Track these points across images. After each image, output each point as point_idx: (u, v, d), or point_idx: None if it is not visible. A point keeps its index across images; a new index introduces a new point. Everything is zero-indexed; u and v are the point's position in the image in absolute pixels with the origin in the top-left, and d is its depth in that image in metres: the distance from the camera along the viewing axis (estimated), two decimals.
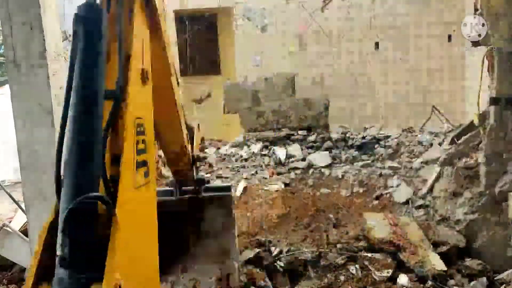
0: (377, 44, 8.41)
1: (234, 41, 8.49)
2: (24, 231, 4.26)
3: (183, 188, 2.74)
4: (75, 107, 1.21)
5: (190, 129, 2.60)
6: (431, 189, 5.08)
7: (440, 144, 6.11)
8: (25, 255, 4.13)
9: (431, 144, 6.27)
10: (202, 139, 2.79)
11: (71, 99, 1.22)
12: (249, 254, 3.98)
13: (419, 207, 4.96)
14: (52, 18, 3.41)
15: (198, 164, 2.66)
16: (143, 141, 1.37)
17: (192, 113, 8.28)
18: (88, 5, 1.32)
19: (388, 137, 6.73)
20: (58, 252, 1.12)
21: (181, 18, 8.23)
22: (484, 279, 3.92)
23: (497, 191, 4.19)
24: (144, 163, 1.35)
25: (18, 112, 3.39)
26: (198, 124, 2.73)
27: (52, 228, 1.20)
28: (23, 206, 3.98)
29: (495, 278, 4.01)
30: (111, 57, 1.36)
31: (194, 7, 8.24)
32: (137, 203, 1.29)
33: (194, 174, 2.66)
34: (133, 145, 1.30)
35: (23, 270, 4.47)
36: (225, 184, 2.79)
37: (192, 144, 2.58)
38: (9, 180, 7.92)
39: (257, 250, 4.02)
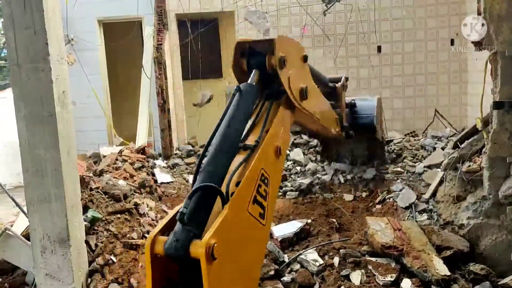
0: (379, 48, 8.40)
1: None
2: (26, 235, 4.25)
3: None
4: (220, 142, 1.72)
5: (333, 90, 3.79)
6: (434, 194, 5.06)
7: (443, 148, 6.09)
8: (27, 259, 4.12)
9: (434, 148, 6.25)
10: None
11: (216, 135, 1.76)
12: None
13: (423, 211, 4.94)
14: (55, 22, 3.42)
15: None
16: (265, 190, 1.76)
17: (195, 116, 8.29)
18: (250, 85, 1.95)
19: (390, 141, 6.71)
20: (180, 210, 1.48)
21: (183, 21, 8.25)
22: (488, 283, 3.90)
23: (500, 195, 4.17)
24: (262, 205, 1.74)
25: (20, 116, 3.39)
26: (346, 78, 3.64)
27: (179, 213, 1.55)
28: (25, 209, 3.98)
29: (499, 283, 3.98)
30: (256, 122, 1.90)
31: (196, 11, 8.26)
32: (244, 224, 1.64)
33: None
34: (255, 183, 1.70)
35: (24, 274, 4.45)
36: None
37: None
38: (11, 183, 7.91)
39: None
